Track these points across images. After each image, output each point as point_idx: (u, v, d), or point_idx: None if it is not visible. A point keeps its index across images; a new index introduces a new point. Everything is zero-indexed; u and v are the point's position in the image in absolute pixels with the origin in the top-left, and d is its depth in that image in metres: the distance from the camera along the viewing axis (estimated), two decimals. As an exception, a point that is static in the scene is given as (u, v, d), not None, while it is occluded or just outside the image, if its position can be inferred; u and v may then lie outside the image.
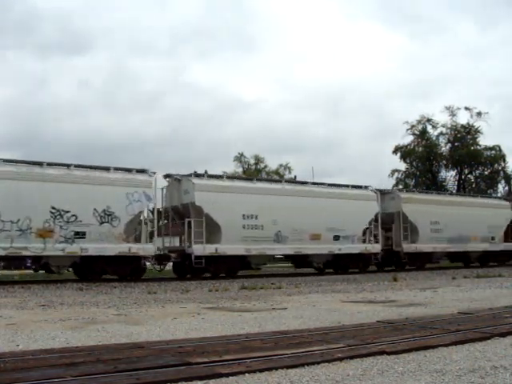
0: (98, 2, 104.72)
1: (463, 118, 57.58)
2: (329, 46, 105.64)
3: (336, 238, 23.35)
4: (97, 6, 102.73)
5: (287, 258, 25.19)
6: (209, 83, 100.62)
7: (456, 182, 53.27)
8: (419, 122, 52.45)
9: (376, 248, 24.67)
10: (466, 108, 51.60)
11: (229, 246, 20.42)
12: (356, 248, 23.97)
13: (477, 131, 51.58)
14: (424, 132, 52.75)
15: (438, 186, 51.63)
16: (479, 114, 50.89)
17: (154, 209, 20.09)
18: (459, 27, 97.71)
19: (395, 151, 52.59)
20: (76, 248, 17.69)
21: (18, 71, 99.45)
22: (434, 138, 53.01)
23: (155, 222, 19.88)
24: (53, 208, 17.41)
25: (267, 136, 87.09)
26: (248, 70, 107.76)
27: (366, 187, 25.70)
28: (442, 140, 53.29)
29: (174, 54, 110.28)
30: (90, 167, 19.02)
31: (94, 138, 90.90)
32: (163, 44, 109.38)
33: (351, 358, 4.71)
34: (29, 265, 25.33)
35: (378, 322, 7.20)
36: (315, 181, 26.67)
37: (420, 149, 52.54)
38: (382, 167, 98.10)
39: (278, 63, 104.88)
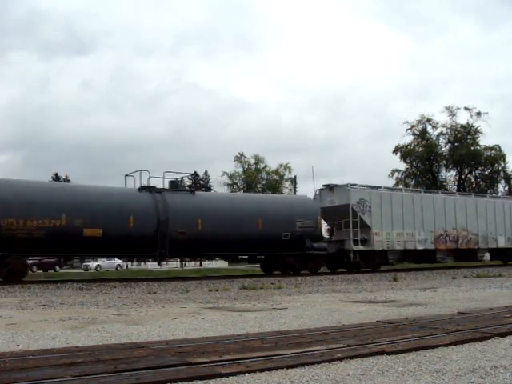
0: (101, 2, 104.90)
1: (463, 118, 57.62)
2: (331, 47, 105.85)
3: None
4: (100, 7, 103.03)
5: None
6: (211, 84, 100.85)
7: (456, 182, 53.30)
8: (419, 122, 52.57)
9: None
10: (466, 108, 51.71)
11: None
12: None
13: (477, 131, 51.65)
14: (424, 132, 52.80)
15: (438, 186, 51.67)
16: (479, 114, 51.02)
17: None
18: (460, 28, 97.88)
19: (395, 151, 52.67)
20: None
21: (21, 72, 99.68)
22: (434, 138, 53.07)
23: None
24: None
25: (269, 137, 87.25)
26: (250, 71, 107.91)
27: None
28: (442, 140, 53.43)
29: (176, 55, 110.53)
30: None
31: (96, 137, 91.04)
32: (166, 45, 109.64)
33: (351, 357, 4.70)
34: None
35: (378, 321, 7.19)
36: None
37: (420, 149, 52.60)
38: (382, 167, 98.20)
39: (281, 64, 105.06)
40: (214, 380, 3.97)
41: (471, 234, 28.21)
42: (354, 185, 24.86)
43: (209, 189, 63.17)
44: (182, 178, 23.68)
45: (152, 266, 47.39)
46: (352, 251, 23.69)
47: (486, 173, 52.52)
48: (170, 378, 3.90)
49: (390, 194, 26.00)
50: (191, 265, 48.67)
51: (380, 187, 26.09)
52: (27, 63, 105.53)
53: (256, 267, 28.83)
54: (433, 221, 26.48)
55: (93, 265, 42.36)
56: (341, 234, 24.25)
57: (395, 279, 18.40)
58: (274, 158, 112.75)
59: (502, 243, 29.68)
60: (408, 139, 52.87)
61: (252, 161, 57.85)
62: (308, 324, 7.32)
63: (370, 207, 24.43)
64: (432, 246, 26.51)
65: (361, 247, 23.96)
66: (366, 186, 25.58)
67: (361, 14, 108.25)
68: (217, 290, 14.40)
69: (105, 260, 42.28)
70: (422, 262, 28.30)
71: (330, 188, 25.33)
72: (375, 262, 24.84)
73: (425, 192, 28.41)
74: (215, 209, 20.82)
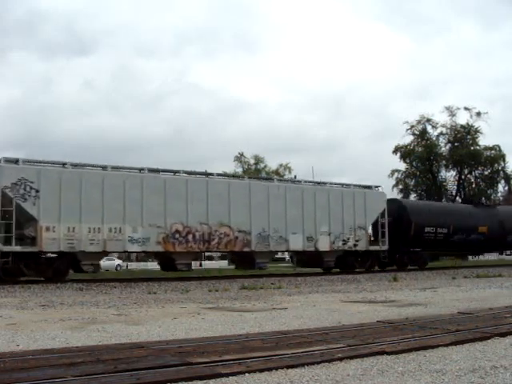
0: (101, 2, 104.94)
1: (463, 118, 57.61)
2: (331, 47, 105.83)
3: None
4: (100, 7, 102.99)
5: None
6: (212, 84, 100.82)
7: (456, 182, 53.28)
8: (419, 122, 52.48)
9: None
10: (466, 108, 51.65)
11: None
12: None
13: (476, 131, 51.59)
14: (424, 132, 52.76)
15: (438, 186, 51.64)
16: (478, 114, 50.92)
17: None
18: (460, 28, 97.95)
19: (395, 151, 52.60)
20: None
21: (21, 72, 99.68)
22: (433, 138, 53.03)
23: None
24: None
25: (269, 137, 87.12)
26: (250, 71, 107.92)
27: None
28: (442, 140, 53.32)
29: (177, 55, 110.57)
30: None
31: (96, 137, 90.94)
32: (167, 45, 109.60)
33: (351, 357, 4.70)
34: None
35: (378, 321, 7.19)
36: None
37: (420, 149, 52.53)
38: (382, 167, 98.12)
39: (281, 64, 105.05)
40: (213, 380, 3.98)
41: (238, 232, 20.30)
42: (16, 160, 17.25)
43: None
44: None
45: (152, 265, 47.35)
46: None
47: (486, 173, 52.39)
48: (170, 378, 3.90)
49: (78, 172, 17.93)
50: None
51: (66, 164, 17.89)
52: (28, 63, 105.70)
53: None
54: (163, 211, 18.91)
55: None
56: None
57: (395, 279, 18.39)
58: (273, 157, 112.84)
59: (297, 245, 21.91)
60: (408, 139, 52.83)
61: (252, 161, 57.77)
62: (308, 324, 7.32)
63: (37, 191, 16.97)
64: (159, 248, 19.04)
65: (17, 248, 16.60)
66: (36, 161, 17.84)
67: (361, 15, 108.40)
68: (217, 290, 14.40)
69: (105, 260, 42.18)
70: (166, 269, 21.13)
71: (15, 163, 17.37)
72: (44, 268, 17.53)
73: (150, 171, 19.51)
74: None
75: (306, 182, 23.74)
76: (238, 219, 20.40)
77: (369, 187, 25.10)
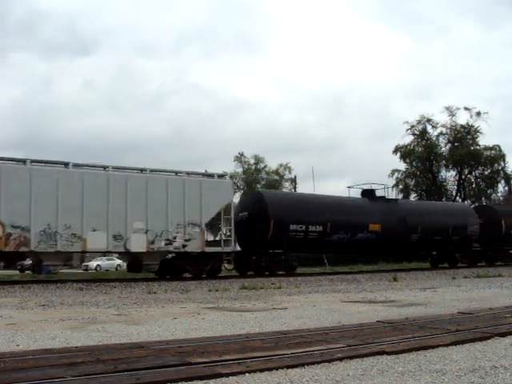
0: (101, 2, 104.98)
1: (463, 118, 57.68)
2: (331, 47, 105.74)
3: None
4: (100, 7, 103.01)
5: None
6: (212, 84, 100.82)
7: (456, 182, 53.31)
8: (419, 122, 52.55)
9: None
10: (466, 108, 51.71)
11: None
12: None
13: (476, 131, 51.66)
14: (424, 132, 52.82)
15: (438, 186, 51.66)
16: (478, 114, 51.00)
17: None
18: (460, 28, 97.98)
19: (395, 151, 52.66)
20: None
21: (23, 72, 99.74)
22: (433, 138, 53.09)
23: None
24: None
25: (269, 137, 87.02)
26: (250, 71, 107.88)
27: None
28: (442, 140, 53.41)
29: (177, 55, 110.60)
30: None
31: (96, 137, 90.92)
32: (167, 45, 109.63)
33: (351, 357, 4.70)
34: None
35: (378, 321, 7.19)
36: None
37: (420, 149, 52.59)
38: (382, 167, 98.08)
39: (281, 64, 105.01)
40: (213, 380, 3.97)
41: (11, 228, 16.59)
42: None
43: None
44: None
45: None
46: None
47: (486, 173, 52.47)
48: (170, 378, 3.90)
49: None
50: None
51: None
52: (29, 63, 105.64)
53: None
54: None
55: (93, 265, 42.30)
56: None
57: (395, 279, 18.41)
58: (273, 157, 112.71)
59: (97, 244, 17.98)
60: (408, 139, 52.92)
61: (252, 161, 57.73)
62: (308, 324, 7.32)
63: None
64: None
65: None
66: None
67: (361, 15, 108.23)
68: (217, 290, 14.41)
69: (105, 260, 42.21)
70: None
71: None
72: None
73: None
74: None
75: (114, 167, 18.97)
76: (12, 212, 16.62)
77: (210, 175, 20.94)
